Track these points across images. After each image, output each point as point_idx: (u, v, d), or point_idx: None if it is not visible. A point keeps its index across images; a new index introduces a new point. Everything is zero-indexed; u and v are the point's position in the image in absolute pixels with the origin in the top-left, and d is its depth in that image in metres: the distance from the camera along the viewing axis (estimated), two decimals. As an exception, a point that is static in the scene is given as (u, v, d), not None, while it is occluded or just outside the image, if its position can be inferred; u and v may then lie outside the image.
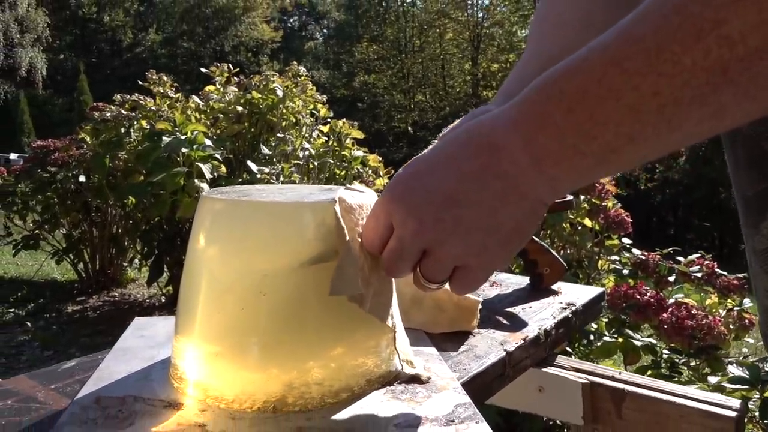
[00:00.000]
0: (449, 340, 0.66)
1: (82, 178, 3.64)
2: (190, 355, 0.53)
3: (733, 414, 0.62)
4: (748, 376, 1.43)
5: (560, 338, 0.74)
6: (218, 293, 0.51)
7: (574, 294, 0.83)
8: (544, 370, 0.72)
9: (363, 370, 0.53)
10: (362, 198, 0.53)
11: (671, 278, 2.07)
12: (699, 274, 1.99)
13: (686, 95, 0.34)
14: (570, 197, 0.85)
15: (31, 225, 4.07)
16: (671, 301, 1.81)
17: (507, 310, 0.76)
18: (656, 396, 0.66)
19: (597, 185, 2.01)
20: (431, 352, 0.62)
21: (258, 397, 0.50)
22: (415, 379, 0.55)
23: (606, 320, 1.89)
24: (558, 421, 1.80)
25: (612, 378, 0.71)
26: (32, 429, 0.46)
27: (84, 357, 0.61)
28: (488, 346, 0.64)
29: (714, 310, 1.91)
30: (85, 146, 3.55)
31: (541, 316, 0.74)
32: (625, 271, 2.12)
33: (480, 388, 0.58)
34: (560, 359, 0.75)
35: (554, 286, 0.87)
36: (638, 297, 1.81)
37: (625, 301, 1.83)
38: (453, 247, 0.44)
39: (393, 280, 0.55)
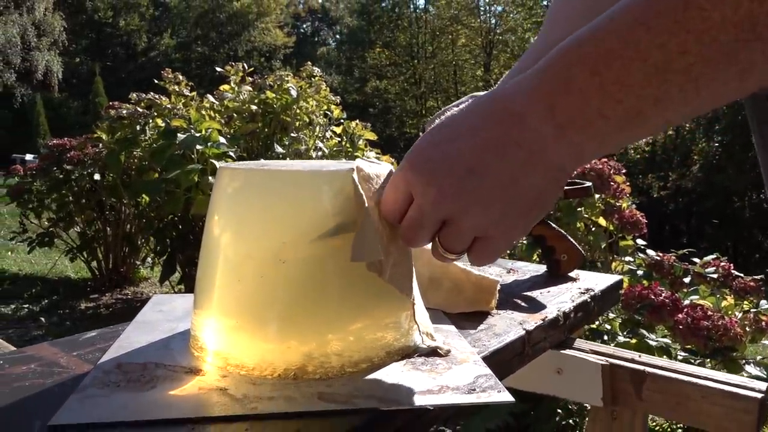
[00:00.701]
0: (467, 319, 0.65)
1: (96, 177, 3.67)
2: (209, 327, 0.53)
3: (758, 395, 0.61)
4: (766, 376, 1.41)
5: (578, 322, 0.73)
6: (238, 261, 0.51)
7: (592, 280, 0.83)
8: (562, 351, 0.71)
9: (382, 343, 0.53)
10: (379, 168, 0.53)
11: (686, 280, 2.05)
12: (715, 276, 1.97)
13: (714, 53, 0.33)
14: (588, 183, 0.85)
15: (46, 223, 4.10)
16: (686, 302, 1.79)
17: (525, 293, 0.76)
18: (677, 377, 0.65)
19: (612, 184, 2.00)
20: (450, 329, 0.62)
21: (278, 365, 0.50)
22: (434, 353, 0.55)
23: (620, 321, 1.88)
24: (570, 421, 1.79)
25: (632, 360, 0.70)
26: (55, 390, 0.47)
27: (105, 328, 0.61)
28: (507, 325, 0.64)
29: (730, 312, 1.89)
30: (100, 144, 3.58)
31: (559, 299, 0.73)
32: (640, 272, 2.10)
33: (499, 364, 0.57)
34: (578, 342, 0.75)
35: (571, 274, 0.87)
36: (653, 297, 1.79)
37: (640, 302, 1.81)
38: (473, 217, 0.44)
39: (411, 253, 0.55)
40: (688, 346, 1.70)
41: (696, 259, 2.10)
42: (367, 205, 0.48)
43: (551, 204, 0.46)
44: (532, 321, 0.65)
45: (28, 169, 4.17)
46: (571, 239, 0.86)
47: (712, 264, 2.04)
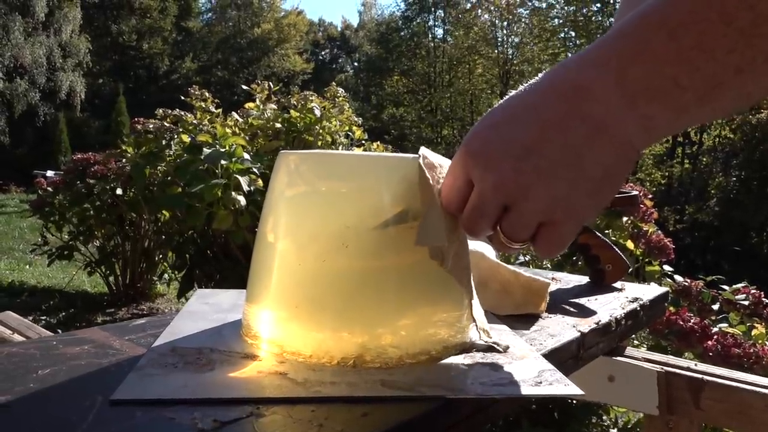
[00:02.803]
0: (519, 321, 0.64)
1: (119, 191, 3.70)
2: (264, 318, 0.52)
3: (824, 406, 0.59)
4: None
5: (628, 330, 0.71)
6: (301, 244, 0.50)
7: (638, 291, 0.81)
8: (615, 359, 0.69)
9: (437, 339, 0.52)
10: (442, 159, 0.52)
11: (715, 306, 2.00)
12: (746, 302, 1.92)
13: None
14: (634, 192, 0.84)
15: (66, 237, 4.14)
16: (715, 330, 1.75)
17: (572, 300, 0.74)
18: (739, 386, 0.63)
19: (641, 206, 1.98)
20: (503, 328, 0.60)
21: (335, 354, 0.48)
22: (492, 349, 0.53)
23: (646, 347, 1.84)
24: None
25: (688, 369, 0.68)
26: (112, 369, 0.46)
27: (153, 317, 0.60)
28: (561, 327, 0.62)
29: (761, 341, 1.84)
30: (123, 159, 3.62)
31: (609, 306, 0.72)
32: (667, 298, 2.06)
33: (556, 365, 0.56)
34: (630, 350, 0.73)
35: (616, 285, 0.85)
36: (681, 323, 1.75)
37: (668, 327, 1.78)
38: (536, 200, 0.40)
39: (468, 248, 0.54)
40: (719, 375, 1.65)
41: (725, 287, 2.06)
42: (435, 188, 0.47)
43: (621, 182, 0.42)
44: (585, 324, 0.63)
45: (52, 182, 4.23)
46: (616, 249, 0.84)
47: (741, 291, 2.00)
